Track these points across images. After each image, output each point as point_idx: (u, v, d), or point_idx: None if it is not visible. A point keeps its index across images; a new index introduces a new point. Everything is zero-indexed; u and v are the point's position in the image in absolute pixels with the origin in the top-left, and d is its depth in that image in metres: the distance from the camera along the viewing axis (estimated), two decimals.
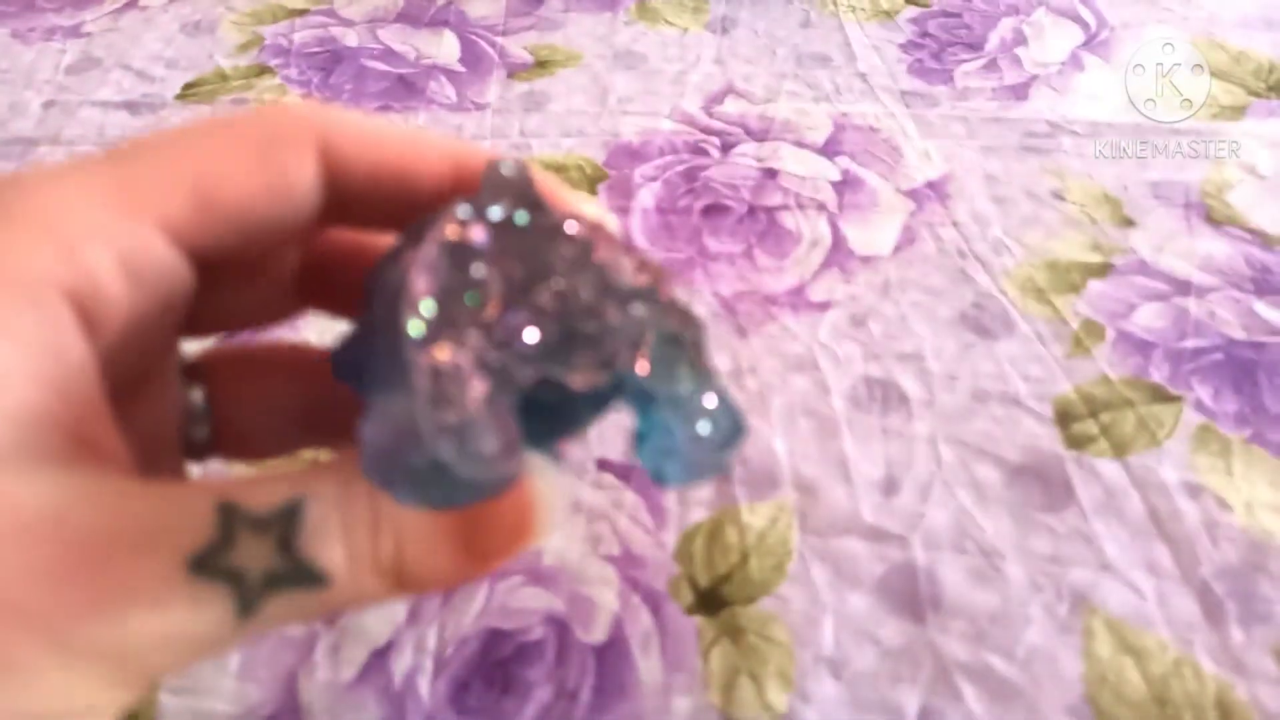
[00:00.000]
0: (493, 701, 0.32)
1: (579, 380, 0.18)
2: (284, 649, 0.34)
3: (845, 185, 0.50)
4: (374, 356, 0.17)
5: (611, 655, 0.33)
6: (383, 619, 0.34)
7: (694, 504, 0.37)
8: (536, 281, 0.19)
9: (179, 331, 0.22)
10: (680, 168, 0.52)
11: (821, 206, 0.49)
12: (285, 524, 0.17)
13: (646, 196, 0.50)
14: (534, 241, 0.19)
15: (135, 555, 0.16)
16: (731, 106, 0.55)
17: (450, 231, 0.18)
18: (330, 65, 0.58)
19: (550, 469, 0.19)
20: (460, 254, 0.18)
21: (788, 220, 0.49)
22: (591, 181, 0.51)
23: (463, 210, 0.19)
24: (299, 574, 0.17)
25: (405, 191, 0.21)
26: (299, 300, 0.24)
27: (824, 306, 0.45)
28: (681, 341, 0.19)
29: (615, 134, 0.54)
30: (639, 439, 0.20)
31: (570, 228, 0.20)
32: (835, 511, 0.37)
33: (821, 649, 0.33)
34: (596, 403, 0.20)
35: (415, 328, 0.16)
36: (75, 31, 0.60)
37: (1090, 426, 0.39)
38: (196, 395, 0.24)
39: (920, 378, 0.41)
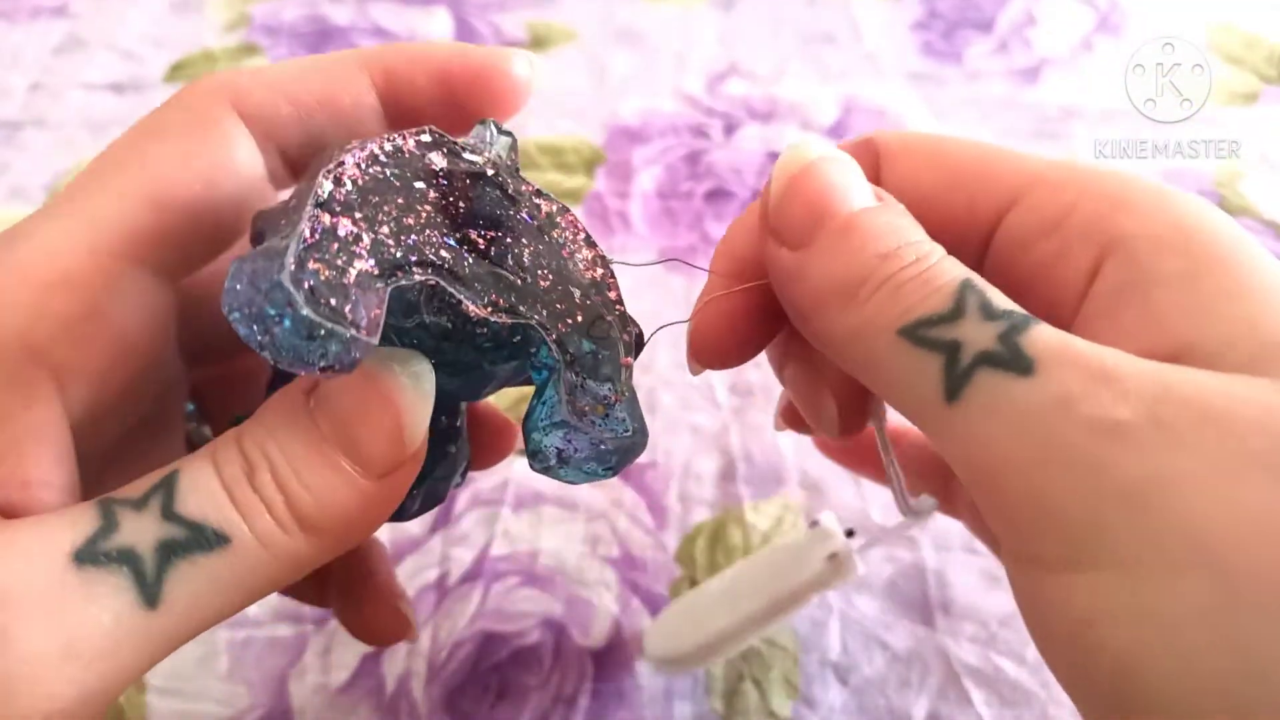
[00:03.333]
0: (488, 707, 0.31)
1: (477, 310, 0.17)
2: (273, 651, 0.33)
3: None
4: (285, 214, 0.17)
5: (610, 660, 0.32)
6: None
7: (696, 503, 0.36)
8: (480, 223, 0.18)
9: (177, 355, 0.22)
10: (682, 151, 0.50)
11: None
12: (164, 493, 0.16)
13: (647, 180, 0.49)
14: (495, 196, 0.19)
15: (15, 567, 0.15)
16: (735, 87, 0.54)
17: (408, 141, 0.18)
18: (319, 44, 0.56)
19: (409, 360, 0.18)
20: (409, 164, 0.18)
21: None
22: (589, 164, 0.50)
23: (430, 133, 0.19)
24: (194, 537, 0.16)
25: (339, 121, 0.21)
26: None
27: None
28: (612, 340, 0.19)
29: (614, 115, 0.52)
30: (528, 412, 0.19)
31: (538, 201, 0.20)
32: (843, 511, 0.36)
33: (828, 654, 0.32)
34: (506, 352, 0.20)
35: (326, 190, 0.16)
36: (61, 12, 0.58)
37: None
38: (189, 408, 0.25)
39: None
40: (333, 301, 0.15)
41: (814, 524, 0.30)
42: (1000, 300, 0.17)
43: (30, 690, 0.15)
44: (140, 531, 0.16)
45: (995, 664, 0.32)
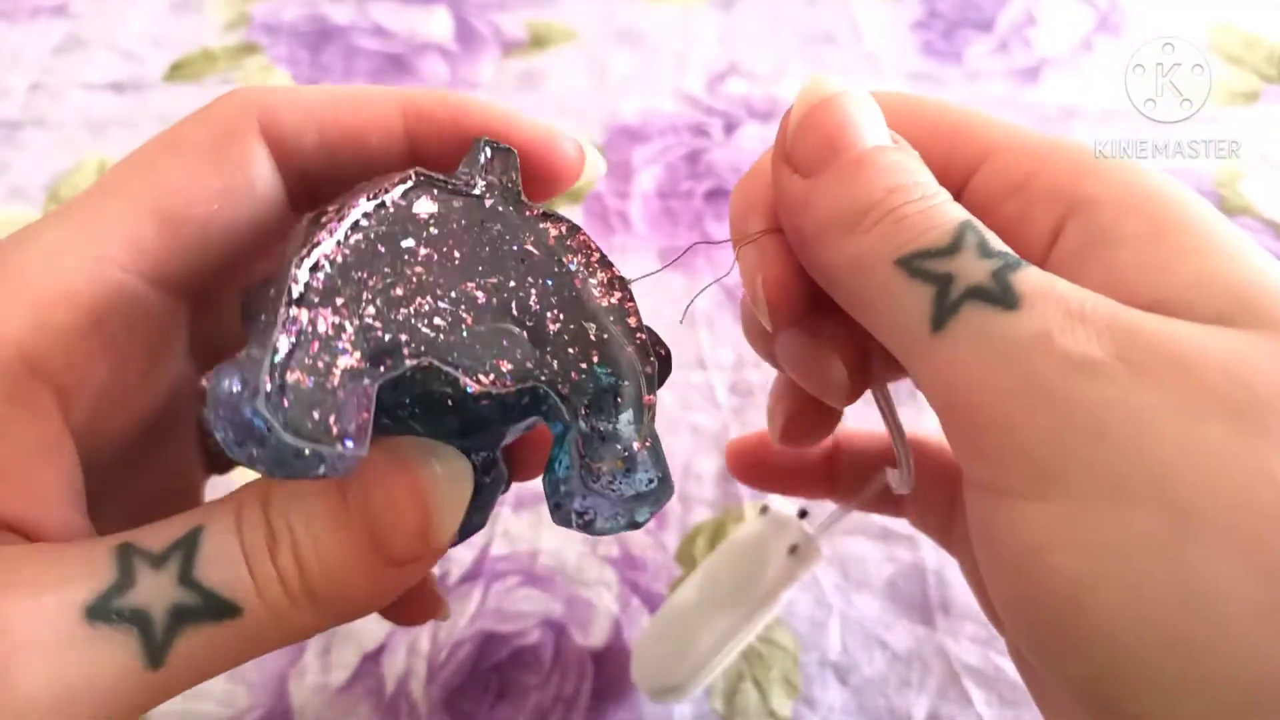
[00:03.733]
0: (488, 706, 0.31)
1: (478, 384, 0.16)
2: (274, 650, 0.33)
3: None
4: (267, 303, 0.16)
5: (610, 660, 0.32)
6: (374, 620, 0.33)
7: (696, 503, 0.36)
8: (479, 270, 0.17)
9: (188, 364, 0.22)
10: (682, 151, 0.50)
11: None
12: (184, 554, 0.16)
13: (647, 180, 0.49)
14: (495, 232, 0.18)
15: (27, 613, 0.15)
16: (735, 86, 0.54)
17: (391, 193, 0.17)
18: (319, 43, 0.56)
19: (447, 453, 0.18)
20: (394, 219, 0.17)
21: None
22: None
23: (414, 177, 0.17)
24: (207, 606, 0.16)
25: (362, 155, 0.20)
26: None
27: None
28: (630, 376, 0.18)
29: (614, 114, 0.52)
30: (548, 465, 0.18)
31: (544, 226, 0.18)
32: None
33: (828, 654, 0.32)
34: (517, 413, 0.18)
35: (302, 281, 0.15)
36: (61, 11, 0.58)
37: None
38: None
39: None
40: (315, 415, 0.14)
41: (764, 510, 0.30)
42: (997, 243, 0.17)
43: None
44: (155, 593, 0.15)
45: (995, 664, 0.32)
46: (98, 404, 0.18)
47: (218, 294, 0.21)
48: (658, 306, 0.42)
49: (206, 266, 0.20)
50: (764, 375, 0.40)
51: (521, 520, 0.36)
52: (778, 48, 0.56)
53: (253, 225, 0.20)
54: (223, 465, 0.25)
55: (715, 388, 0.40)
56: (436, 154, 0.20)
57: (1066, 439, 0.15)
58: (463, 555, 0.35)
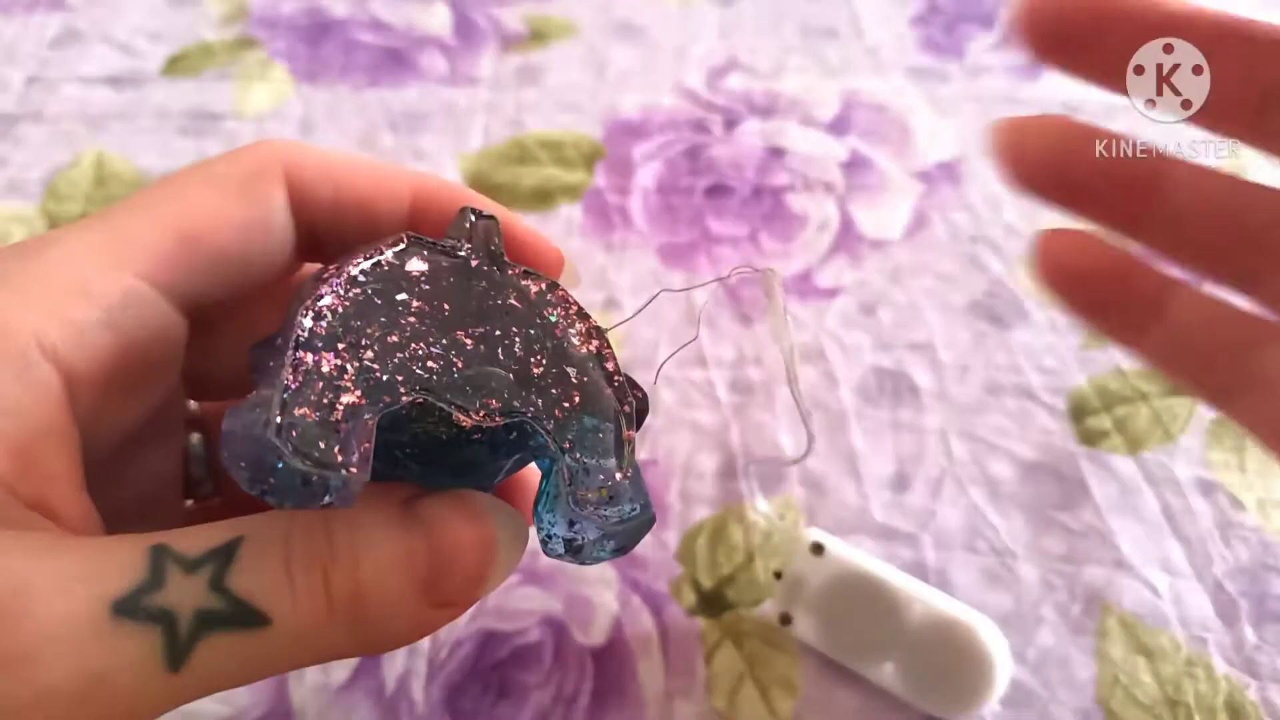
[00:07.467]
0: (488, 706, 0.31)
1: (468, 420, 0.18)
2: None
3: (853, 166, 0.49)
4: (274, 354, 0.17)
5: (611, 658, 0.32)
6: None
7: (696, 501, 0.36)
8: (467, 321, 0.19)
9: (179, 382, 0.23)
10: (682, 146, 0.50)
11: (829, 188, 0.48)
12: (219, 562, 0.16)
13: (647, 176, 0.49)
14: (481, 288, 0.19)
15: (56, 601, 0.15)
16: (735, 82, 0.54)
17: (385, 254, 0.19)
18: (318, 37, 0.56)
19: (512, 515, 0.19)
20: (388, 276, 0.18)
21: (794, 202, 0.47)
22: (589, 159, 0.49)
23: (406, 239, 0.19)
24: (234, 613, 0.16)
25: (368, 220, 0.22)
26: None
27: (832, 293, 0.43)
28: (609, 415, 0.19)
29: (614, 109, 0.52)
30: (537, 498, 0.20)
31: (525, 283, 0.20)
32: (844, 509, 0.36)
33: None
34: (506, 449, 0.20)
35: (306, 328, 0.17)
36: (58, 4, 0.58)
37: (1104, 421, 0.38)
38: (195, 439, 0.25)
39: (931, 369, 0.40)
40: (321, 445, 0.16)
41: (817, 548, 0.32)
42: None
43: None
44: (183, 596, 0.16)
45: None
46: (101, 398, 0.19)
47: (218, 326, 0.22)
48: (658, 305, 0.42)
49: (215, 291, 0.21)
50: (764, 373, 0.40)
51: None
52: (778, 42, 0.56)
53: (263, 261, 0.21)
54: (202, 495, 0.26)
55: (715, 385, 0.40)
56: (432, 231, 0.22)
57: None
58: None
